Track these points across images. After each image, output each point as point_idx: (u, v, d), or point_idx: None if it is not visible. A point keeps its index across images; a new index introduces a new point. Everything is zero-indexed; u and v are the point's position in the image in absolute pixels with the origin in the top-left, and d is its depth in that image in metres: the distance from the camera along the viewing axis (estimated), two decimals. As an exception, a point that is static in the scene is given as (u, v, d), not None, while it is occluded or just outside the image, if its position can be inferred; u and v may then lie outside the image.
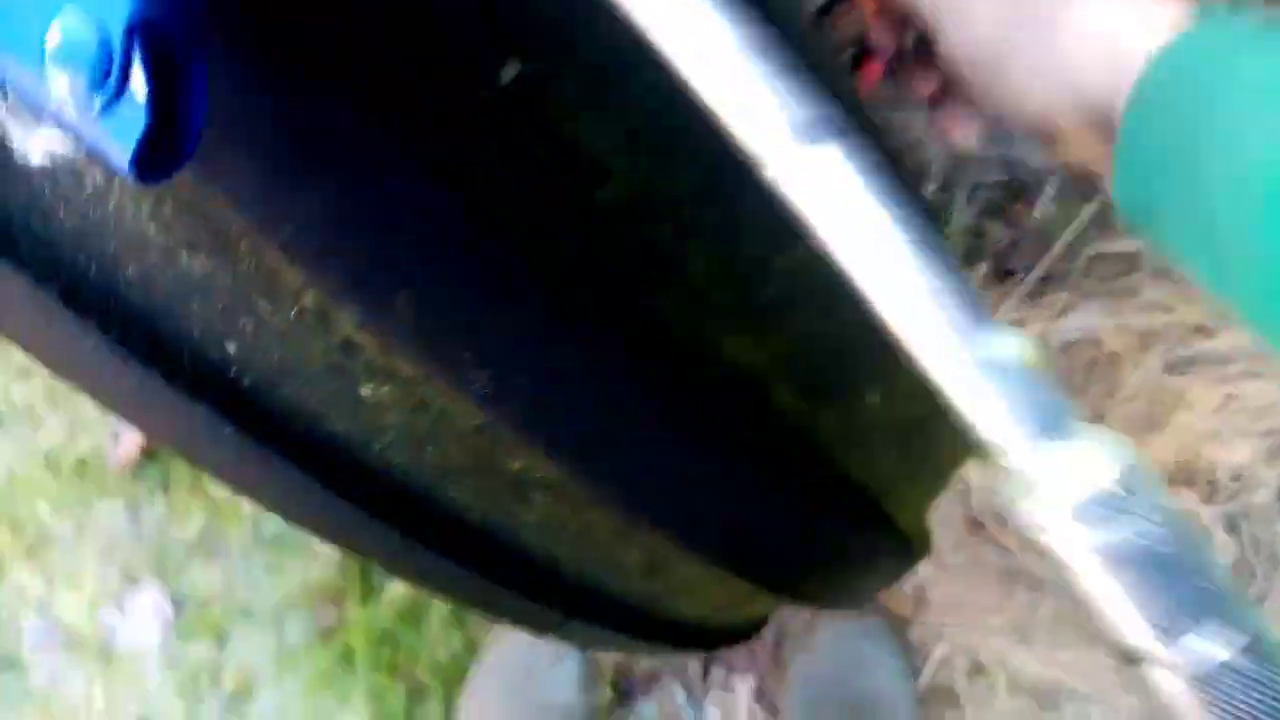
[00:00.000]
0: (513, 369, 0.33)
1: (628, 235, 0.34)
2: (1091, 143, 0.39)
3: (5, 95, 0.28)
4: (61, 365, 0.31)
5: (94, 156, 0.21)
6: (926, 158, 1.20)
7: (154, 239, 0.30)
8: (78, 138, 0.21)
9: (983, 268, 1.25)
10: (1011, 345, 0.17)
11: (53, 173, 0.29)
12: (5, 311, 0.30)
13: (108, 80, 0.20)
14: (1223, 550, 1.25)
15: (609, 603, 0.46)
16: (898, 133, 1.18)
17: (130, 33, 0.20)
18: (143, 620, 0.96)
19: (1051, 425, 0.17)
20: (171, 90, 0.21)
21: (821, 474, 0.44)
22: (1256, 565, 1.28)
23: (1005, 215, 1.28)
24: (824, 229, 0.18)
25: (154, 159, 0.21)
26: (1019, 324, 1.24)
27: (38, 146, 0.29)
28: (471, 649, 0.99)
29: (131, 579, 0.97)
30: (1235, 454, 1.29)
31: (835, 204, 0.18)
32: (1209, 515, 1.26)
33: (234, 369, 0.33)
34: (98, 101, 0.20)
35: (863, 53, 0.61)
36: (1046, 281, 1.27)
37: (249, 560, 0.98)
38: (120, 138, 0.21)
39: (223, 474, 0.34)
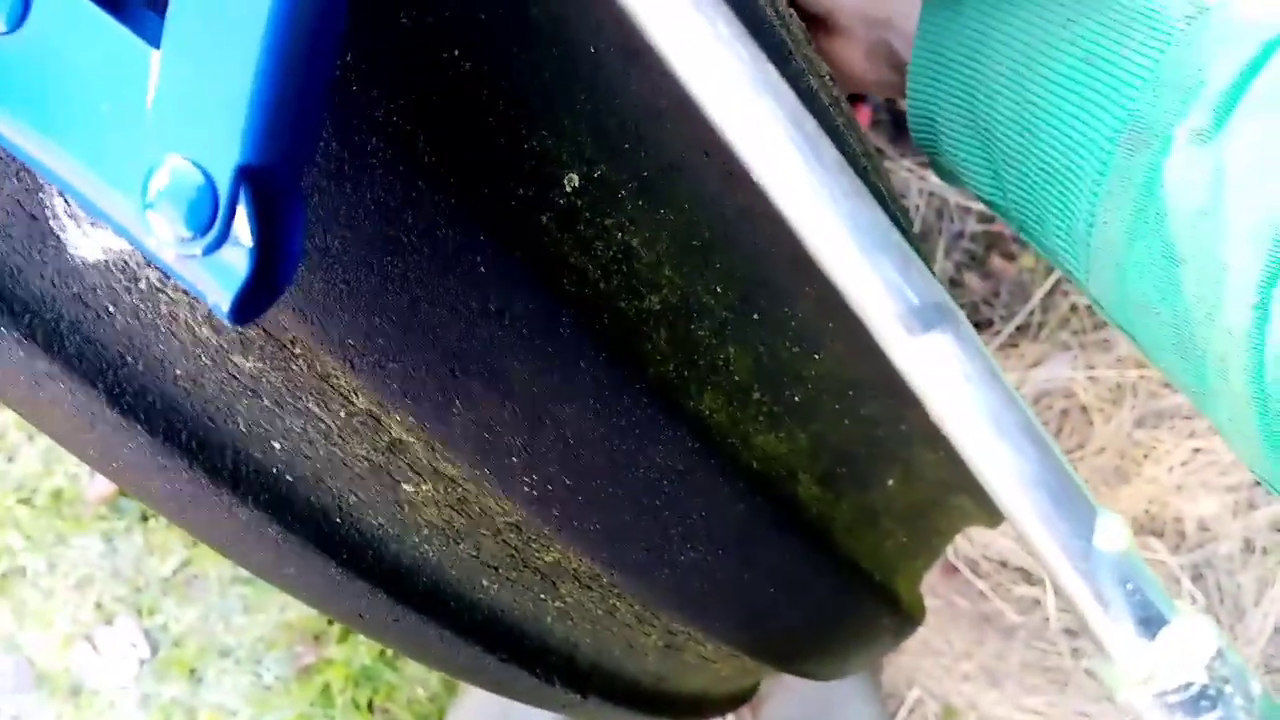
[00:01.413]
0: (560, 471, 0.33)
1: (674, 339, 0.34)
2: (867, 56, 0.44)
3: (66, 199, 0.28)
4: (103, 463, 0.31)
5: (191, 295, 0.21)
6: (908, 206, 1.22)
7: (206, 340, 0.30)
8: (175, 278, 0.21)
9: (962, 317, 1.27)
10: (1115, 534, 0.18)
11: (106, 269, 0.29)
12: (51, 412, 0.30)
13: (212, 225, 0.20)
14: (1189, 600, 1.28)
15: (623, 682, 0.46)
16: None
17: (238, 178, 0.20)
18: (116, 658, 0.94)
19: (1150, 615, 0.18)
20: (273, 233, 0.21)
21: (837, 559, 0.45)
22: (1221, 614, 1.31)
23: (984, 266, 1.31)
24: (937, 412, 0.18)
25: (253, 301, 0.21)
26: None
27: (94, 243, 0.29)
28: (450, 688, 0.98)
29: (105, 615, 0.95)
30: (1202, 506, 1.32)
31: (947, 392, 0.18)
32: (1176, 565, 1.29)
33: (277, 466, 0.32)
34: (199, 245, 0.20)
35: (851, 99, 0.63)
36: (1022, 332, 1.29)
37: (226, 597, 0.97)
38: (221, 281, 0.21)
39: (261, 570, 0.33)
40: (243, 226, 0.20)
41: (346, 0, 0.20)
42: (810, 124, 0.19)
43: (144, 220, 0.20)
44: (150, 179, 0.20)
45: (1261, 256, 0.31)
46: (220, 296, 0.21)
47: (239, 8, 0.19)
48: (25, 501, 0.95)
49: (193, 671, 0.95)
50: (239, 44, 0.19)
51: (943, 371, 0.18)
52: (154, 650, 0.95)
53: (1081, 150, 0.37)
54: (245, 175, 0.20)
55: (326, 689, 0.95)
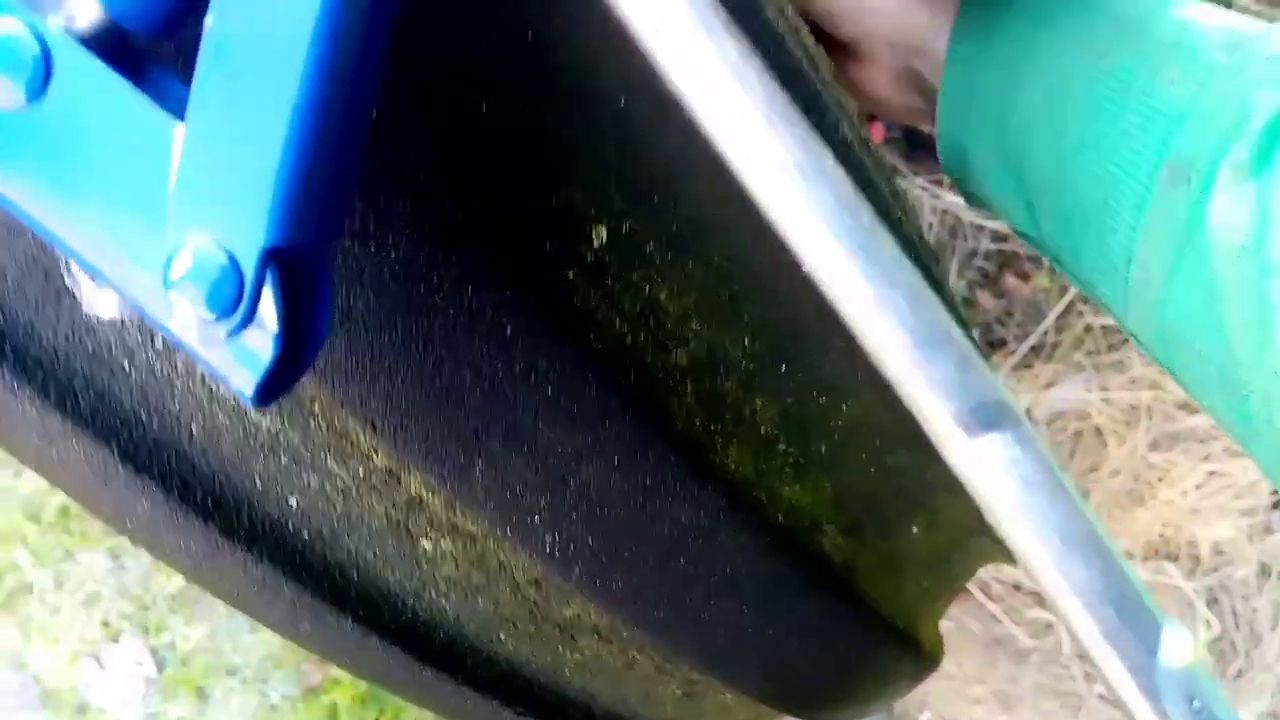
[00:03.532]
0: (582, 530, 0.32)
1: (701, 394, 0.33)
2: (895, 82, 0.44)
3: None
4: (117, 520, 0.30)
5: (214, 379, 0.20)
6: (920, 225, 1.21)
7: (223, 398, 0.29)
8: (196, 361, 0.20)
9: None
10: (1181, 648, 0.17)
11: (121, 327, 0.28)
12: (64, 470, 0.29)
13: (236, 308, 0.19)
14: (1204, 625, 1.27)
15: (640, 729, 0.45)
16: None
17: (264, 262, 0.19)
18: (122, 676, 0.94)
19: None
20: (299, 316, 0.20)
21: (860, 608, 0.44)
22: (1237, 640, 1.30)
23: (997, 285, 1.30)
24: (996, 517, 0.17)
25: (277, 384, 0.20)
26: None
27: (109, 301, 0.28)
28: (457, 712, 0.97)
29: (112, 633, 0.94)
30: (1217, 530, 1.31)
31: (1007, 498, 0.17)
32: (1191, 589, 1.28)
33: (294, 523, 0.31)
34: (223, 329, 0.19)
35: (867, 117, 0.62)
36: (1036, 353, 1.28)
37: (234, 616, 0.96)
38: (245, 364, 0.20)
39: (277, 625, 0.33)
40: (268, 309, 0.20)
41: (379, 74, 0.20)
42: (867, 214, 0.18)
43: (166, 301, 0.20)
44: (174, 259, 0.19)
45: None
46: (244, 381, 0.20)
47: (268, 80, 0.18)
48: (33, 518, 0.95)
49: (200, 690, 0.94)
50: (267, 119, 0.18)
51: (1002, 475, 0.17)
52: (160, 669, 0.94)
53: (1119, 185, 0.36)
54: (271, 257, 0.19)
55: (333, 709, 0.95)
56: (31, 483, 0.95)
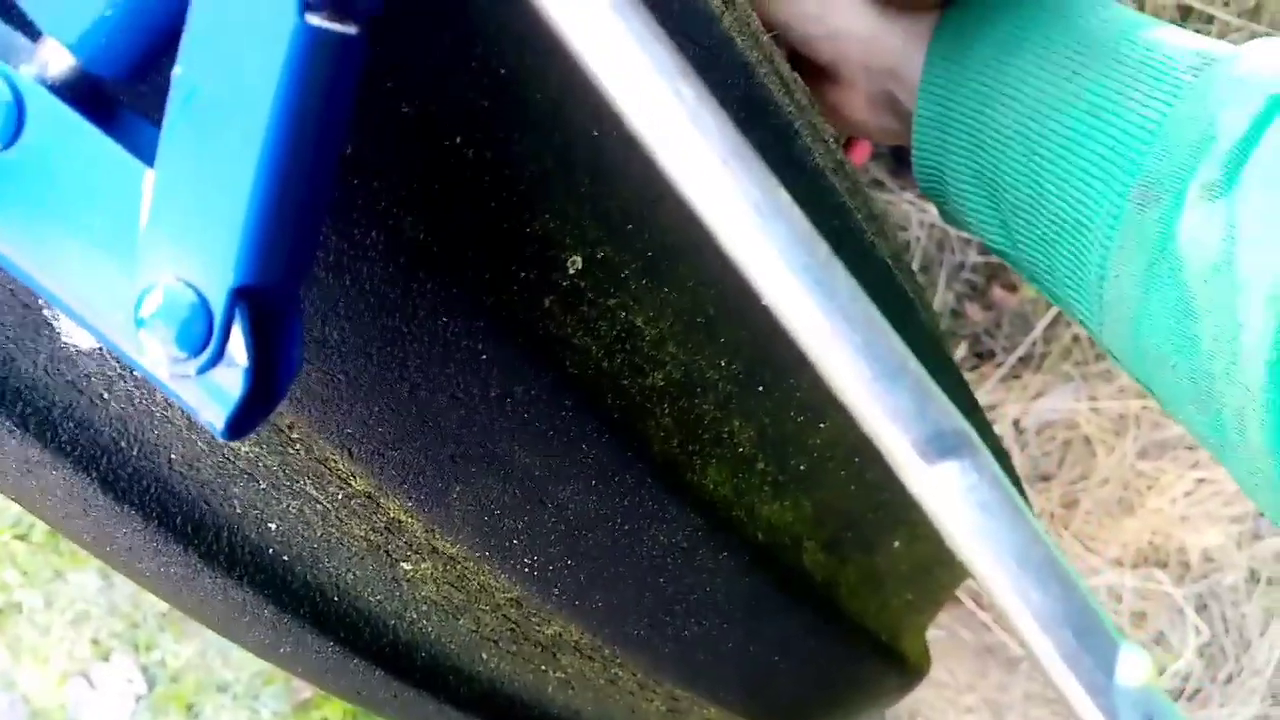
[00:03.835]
0: (561, 552, 0.33)
1: (678, 415, 0.33)
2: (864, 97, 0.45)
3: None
4: (97, 547, 0.30)
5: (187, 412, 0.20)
6: (908, 238, 1.22)
7: (200, 426, 0.29)
8: (168, 395, 0.20)
9: (961, 349, 1.27)
10: (1137, 668, 0.17)
11: (100, 356, 0.29)
12: (44, 499, 0.29)
13: (205, 346, 0.20)
14: (1194, 631, 1.27)
15: (624, 746, 0.45)
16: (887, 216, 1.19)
17: (233, 300, 0.19)
18: (112, 695, 0.94)
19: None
20: (269, 352, 0.20)
21: (843, 624, 0.44)
22: (1227, 645, 1.30)
23: (985, 297, 1.30)
24: (954, 542, 0.18)
25: (247, 418, 0.20)
26: (993, 407, 1.26)
27: (86, 333, 0.29)
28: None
29: (102, 651, 0.94)
30: (1206, 537, 1.31)
31: (964, 523, 0.18)
32: (1181, 596, 1.28)
33: (273, 547, 0.32)
34: (193, 365, 0.20)
35: (849, 137, 0.63)
36: (1024, 363, 1.29)
37: (223, 633, 0.96)
38: (215, 399, 0.20)
39: (259, 649, 0.33)
40: (238, 346, 0.20)
41: (348, 115, 0.20)
42: (823, 250, 0.18)
43: (137, 339, 0.20)
44: (144, 299, 0.20)
45: (1277, 313, 0.31)
46: (214, 415, 0.20)
47: (236, 128, 0.19)
48: (22, 537, 0.95)
49: (190, 707, 0.94)
50: (235, 163, 0.19)
51: (960, 502, 0.18)
52: (151, 686, 0.94)
53: (1092, 204, 0.36)
54: (241, 296, 0.19)
55: (324, 725, 0.94)
56: (21, 502, 0.95)
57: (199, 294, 0.19)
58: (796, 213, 0.18)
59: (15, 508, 0.95)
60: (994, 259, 1.24)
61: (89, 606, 0.94)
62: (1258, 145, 0.33)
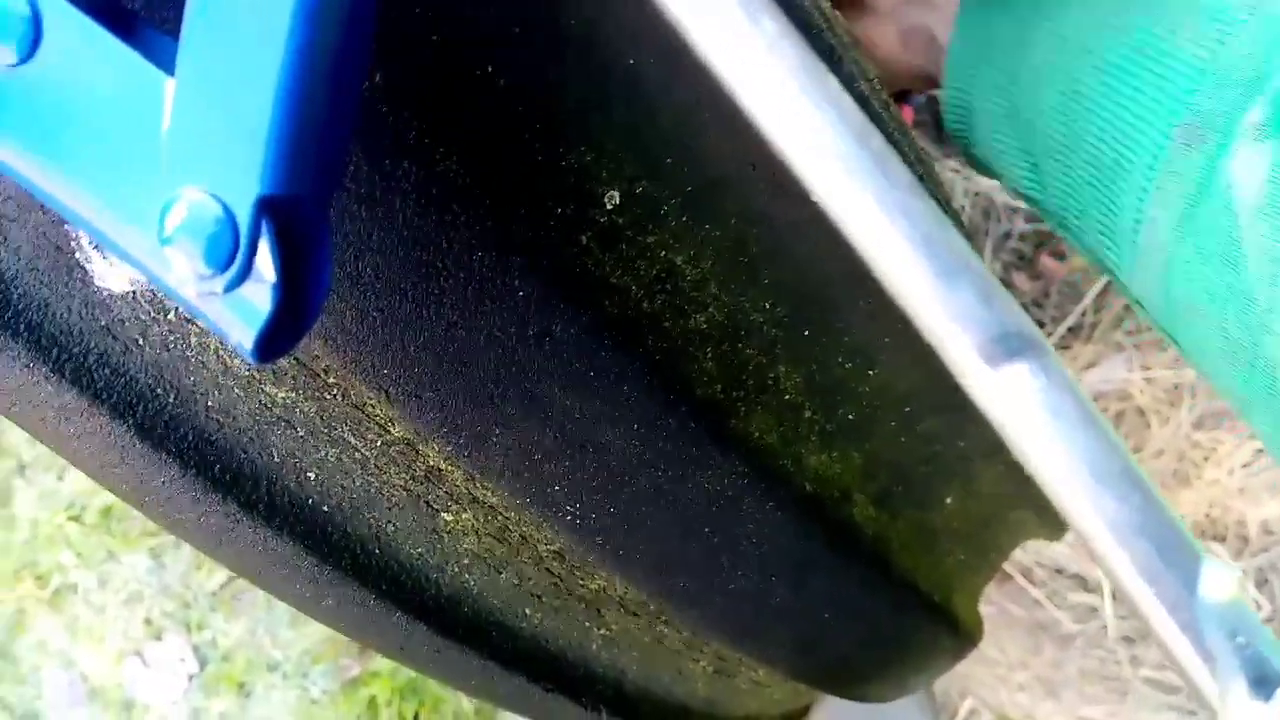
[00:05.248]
0: (604, 499, 0.32)
1: (721, 359, 0.32)
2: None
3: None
4: (135, 497, 0.30)
5: (215, 334, 0.20)
6: (954, 207, 1.19)
7: (237, 371, 0.29)
8: (196, 316, 0.20)
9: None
10: (1222, 582, 0.16)
11: (134, 301, 0.28)
12: (80, 447, 0.29)
13: (232, 261, 0.19)
14: (1253, 606, 1.24)
15: (671, 709, 0.44)
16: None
17: (259, 211, 0.19)
18: (165, 673, 0.95)
19: (1265, 673, 0.16)
20: (297, 268, 0.20)
21: (894, 582, 0.43)
22: (1287, 621, 1.27)
23: (1033, 266, 1.27)
24: (1021, 452, 0.17)
25: (278, 339, 0.20)
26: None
27: (120, 275, 0.28)
28: (496, 703, 0.97)
29: (155, 631, 0.95)
30: (1265, 509, 1.28)
31: (1033, 430, 0.16)
32: (1239, 570, 1.25)
33: (313, 497, 0.31)
34: (220, 282, 0.19)
35: (896, 97, 0.61)
36: (1074, 334, 1.26)
37: (273, 611, 0.97)
38: (243, 318, 0.20)
39: (300, 602, 0.32)
40: (265, 261, 0.19)
41: (372, 20, 0.19)
42: (877, 140, 0.17)
43: (162, 257, 0.19)
44: (167, 213, 0.19)
45: None
46: (243, 335, 0.20)
47: (256, 31, 0.18)
48: (75, 519, 0.96)
49: (241, 686, 0.95)
50: (256, 69, 0.18)
51: (1028, 406, 0.16)
52: (202, 665, 0.95)
53: (1132, 143, 0.35)
54: (266, 207, 0.19)
55: (372, 702, 0.95)
56: (74, 485, 0.97)
57: (224, 206, 0.19)
58: (847, 100, 0.17)
59: (68, 490, 0.97)
60: (1043, 227, 1.21)
61: (141, 587, 0.96)
62: None
